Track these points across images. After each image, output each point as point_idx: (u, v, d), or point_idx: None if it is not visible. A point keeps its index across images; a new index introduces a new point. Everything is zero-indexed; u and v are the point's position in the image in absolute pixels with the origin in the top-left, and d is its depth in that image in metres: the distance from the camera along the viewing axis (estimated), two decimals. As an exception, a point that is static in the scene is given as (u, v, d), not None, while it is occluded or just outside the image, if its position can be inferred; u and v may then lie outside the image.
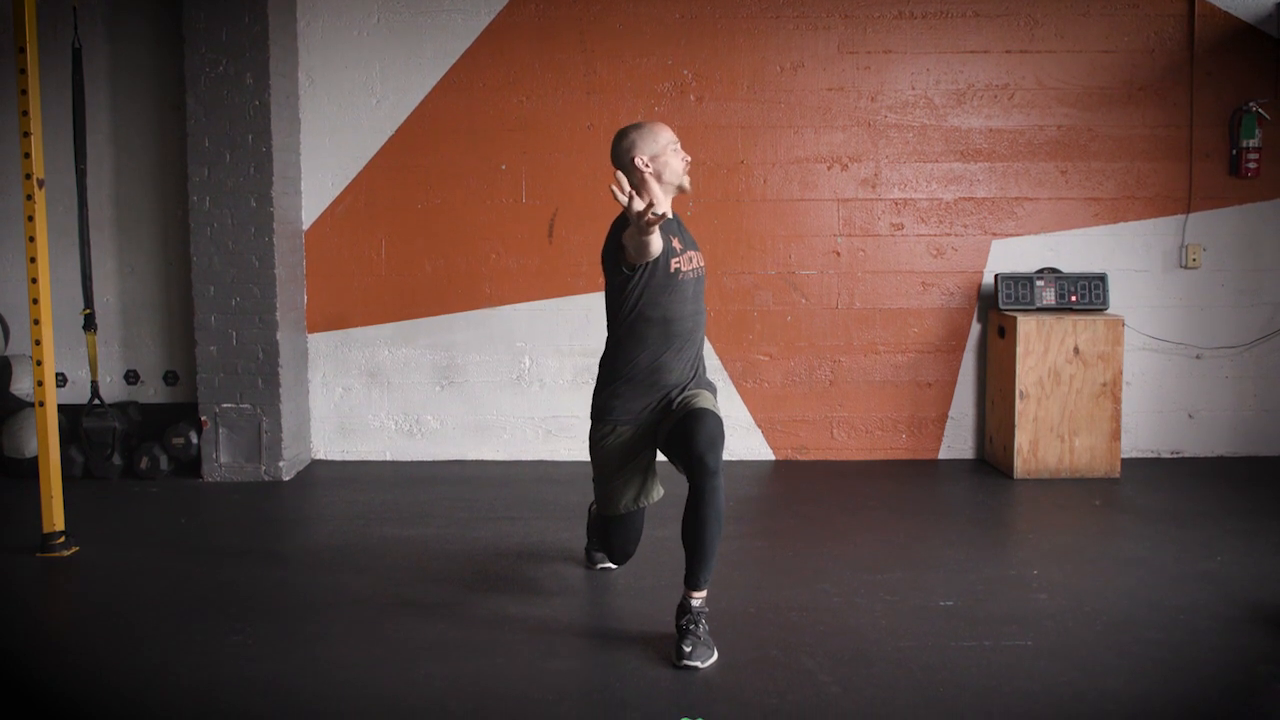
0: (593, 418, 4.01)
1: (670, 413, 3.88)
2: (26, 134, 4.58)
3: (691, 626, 3.63)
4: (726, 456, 6.19)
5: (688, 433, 3.70)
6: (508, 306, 6.26)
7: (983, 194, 6.20)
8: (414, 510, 5.37)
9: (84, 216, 5.66)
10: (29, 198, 4.59)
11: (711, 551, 3.68)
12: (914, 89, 6.16)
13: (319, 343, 6.30)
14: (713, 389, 4.06)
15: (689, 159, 3.92)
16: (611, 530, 4.08)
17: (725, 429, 3.84)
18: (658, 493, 4.07)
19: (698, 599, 3.70)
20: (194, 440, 6.02)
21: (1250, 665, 3.57)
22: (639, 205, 3.45)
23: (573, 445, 6.28)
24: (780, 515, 5.41)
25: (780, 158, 6.18)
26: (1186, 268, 6.22)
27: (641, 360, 3.87)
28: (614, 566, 4.46)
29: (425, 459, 6.33)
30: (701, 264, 3.97)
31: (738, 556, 4.65)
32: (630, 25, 6.11)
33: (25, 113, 4.58)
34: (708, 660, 3.59)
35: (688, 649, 3.57)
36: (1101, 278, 6.00)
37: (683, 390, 3.91)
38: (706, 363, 6.02)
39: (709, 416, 3.74)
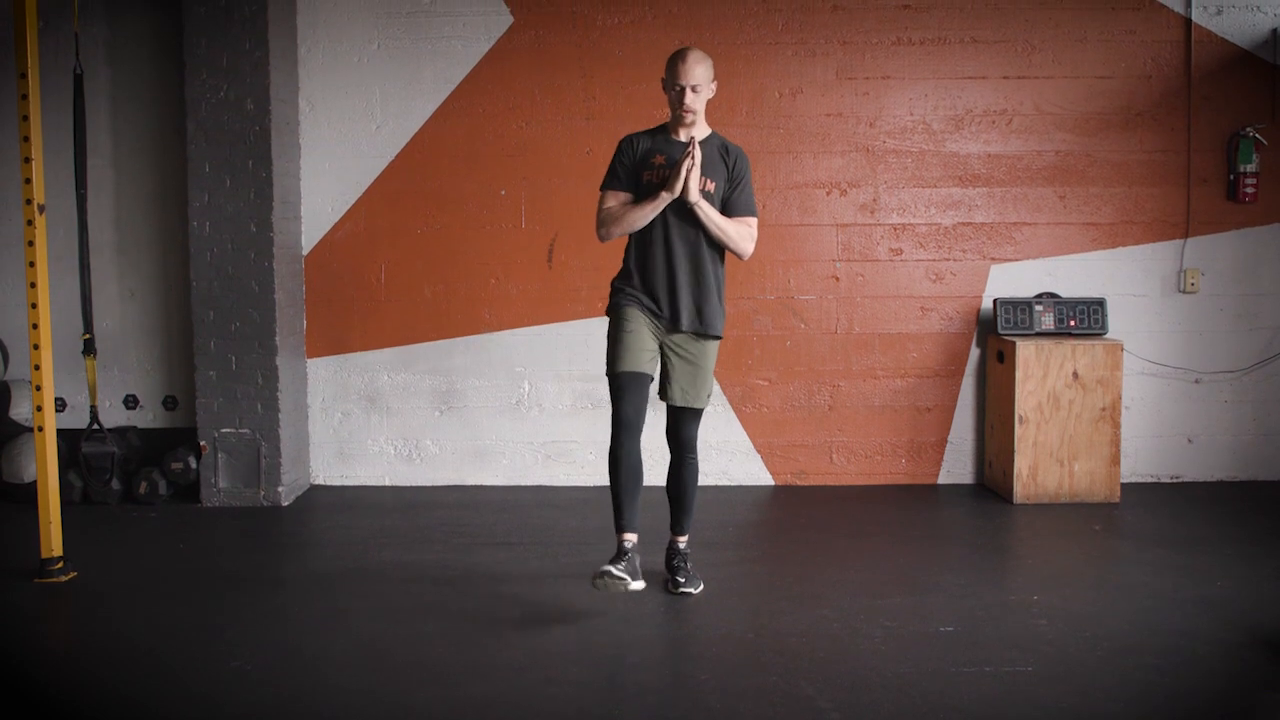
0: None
1: (671, 357, 4.39)
2: (27, 159, 4.60)
3: (681, 564, 4.51)
4: (726, 482, 6.26)
5: (675, 429, 4.48)
6: (507, 331, 6.26)
7: (981, 219, 6.21)
8: (413, 536, 5.36)
9: (84, 241, 5.66)
10: (29, 223, 4.60)
11: (692, 505, 4.54)
12: (912, 114, 6.19)
13: (318, 368, 6.31)
14: (714, 325, 4.38)
15: (680, 87, 4.29)
16: (615, 394, 4.31)
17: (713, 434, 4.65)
18: (654, 370, 4.40)
19: (683, 542, 4.57)
20: (193, 465, 6.01)
21: (1251, 690, 3.56)
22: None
23: (572, 470, 6.27)
24: (779, 540, 5.40)
25: (779, 183, 6.20)
26: (1185, 292, 6.23)
27: (632, 260, 4.41)
28: (628, 588, 4.10)
29: (424, 484, 6.32)
30: (702, 187, 4.27)
31: (737, 582, 4.64)
32: (629, 52, 6.14)
33: (26, 138, 4.60)
34: (697, 588, 4.46)
35: (681, 580, 4.47)
36: (1100, 302, 6.01)
37: (682, 317, 4.32)
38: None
39: (692, 419, 4.46)
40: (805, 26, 6.15)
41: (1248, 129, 6.10)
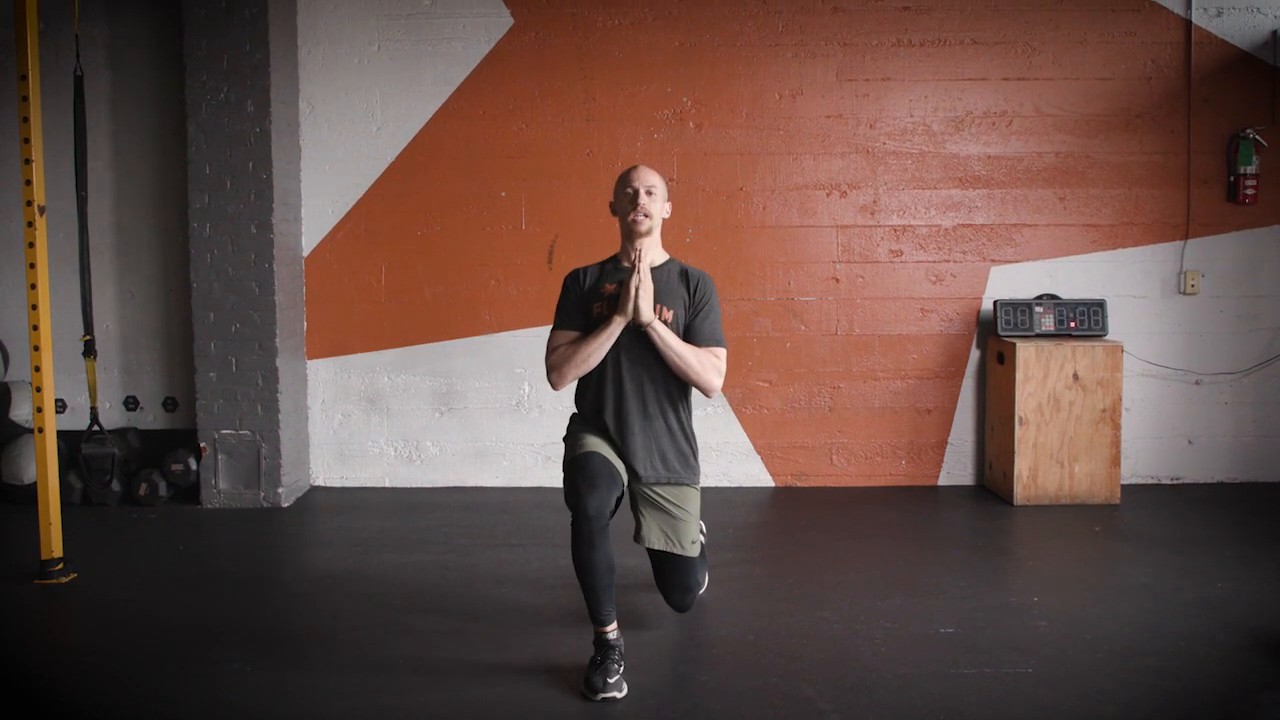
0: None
1: (641, 503, 3.99)
2: (28, 161, 4.60)
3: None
4: (727, 483, 6.24)
5: (665, 581, 4.07)
6: (507, 333, 6.26)
7: (981, 220, 6.21)
8: (413, 537, 5.36)
9: (84, 243, 5.66)
10: (30, 224, 4.60)
11: None
12: (912, 116, 6.19)
13: (318, 369, 6.31)
14: (682, 472, 3.97)
15: (634, 189, 3.89)
16: (572, 472, 3.77)
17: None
18: (622, 475, 3.87)
19: None
20: (193, 466, 6.01)
21: (1251, 693, 3.56)
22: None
23: (572, 471, 6.27)
24: (780, 542, 5.40)
25: (779, 184, 6.20)
26: (1185, 294, 6.23)
27: (585, 399, 4.00)
28: (619, 696, 3.54)
29: (424, 485, 6.32)
30: (658, 316, 3.85)
31: (737, 584, 4.64)
32: (629, 54, 6.14)
33: (27, 140, 4.60)
34: (700, 588, 4.26)
35: None
36: (1100, 304, 6.01)
37: (637, 466, 3.91)
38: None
39: (683, 567, 4.01)
40: (805, 28, 6.16)
41: (1248, 130, 6.10)
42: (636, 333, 3.83)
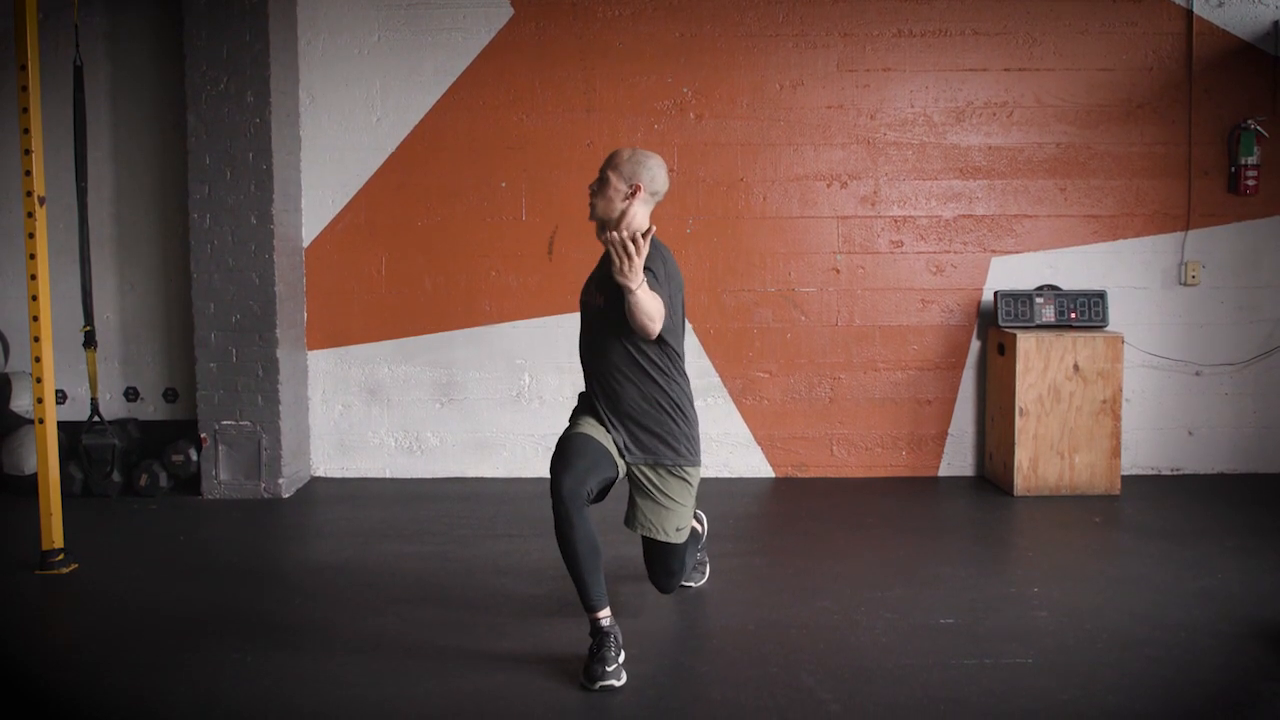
0: None
1: (631, 485, 3.94)
2: (28, 151, 4.59)
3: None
4: (727, 474, 6.23)
5: (648, 560, 4.06)
6: (507, 324, 6.26)
7: (982, 211, 6.21)
8: (414, 528, 5.37)
9: (84, 234, 5.67)
10: (30, 215, 4.60)
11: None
12: (913, 107, 6.18)
13: (319, 360, 6.31)
14: (661, 453, 3.86)
15: (590, 189, 3.93)
16: (554, 452, 3.78)
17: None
18: (612, 452, 3.83)
19: None
20: (193, 457, 6.02)
21: (1251, 683, 3.56)
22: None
23: (572, 462, 6.27)
24: (780, 533, 5.40)
25: (780, 175, 6.19)
26: (1186, 285, 6.22)
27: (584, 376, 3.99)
28: (617, 684, 3.53)
29: (425, 476, 6.32)
30: (599, 304, 3.82)
31: (738, 574, 4.64)
32: (630, 44, 6.13)
33: (26, 130, 4.60)
34: (698, 581, 4.45)
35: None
36: (1101, 295, 6.00)
37: (632, 445, 3.85)
38: (706, 378, 6.09)
39: (665, 551, 3.97)
40: (806, 18, 6.14)
41: (1249, 121, 6.09)
42: (595, 310, 3.83)
